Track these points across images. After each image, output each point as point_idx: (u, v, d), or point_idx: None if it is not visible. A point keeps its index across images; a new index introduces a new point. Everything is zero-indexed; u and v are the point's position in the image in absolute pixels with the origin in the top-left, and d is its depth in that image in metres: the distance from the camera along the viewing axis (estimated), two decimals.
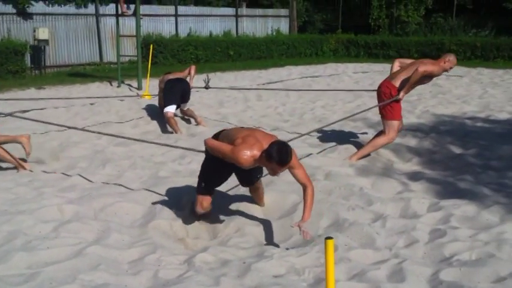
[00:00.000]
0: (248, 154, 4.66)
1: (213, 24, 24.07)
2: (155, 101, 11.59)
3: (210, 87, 11.14)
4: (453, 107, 11.85)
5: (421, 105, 12.05)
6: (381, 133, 7.73)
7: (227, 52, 22.40)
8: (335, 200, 5.95)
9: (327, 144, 8.44)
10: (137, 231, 5.31)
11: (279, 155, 4.48)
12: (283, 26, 27.14)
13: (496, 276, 4.22)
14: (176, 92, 9.70)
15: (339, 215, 5.53)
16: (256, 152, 4.66)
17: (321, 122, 10.26)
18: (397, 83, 7.40)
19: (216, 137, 5.19)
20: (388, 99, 7.43)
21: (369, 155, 7.79)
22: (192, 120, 10.23)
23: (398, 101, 7.41)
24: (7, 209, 5.63)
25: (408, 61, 7.80)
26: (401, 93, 7.35)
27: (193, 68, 10.26)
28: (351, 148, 8.16)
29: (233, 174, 5.45)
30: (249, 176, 5.39)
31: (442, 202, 5.91)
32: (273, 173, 4.69)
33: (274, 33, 26.16)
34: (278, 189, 6.27)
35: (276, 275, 4.40)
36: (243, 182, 5.57)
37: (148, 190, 6.29)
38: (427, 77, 7.38)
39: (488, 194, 6.20)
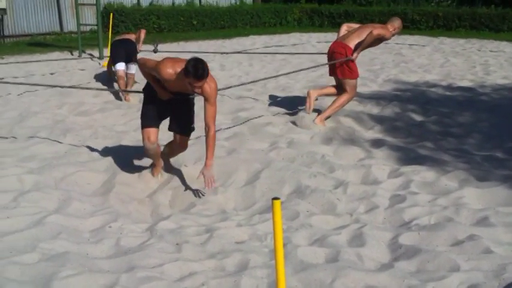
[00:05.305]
0: (169, 66, 5.12)
1: None
2: None
3: (158, 51, 11.32)
4: (415, 76, 11.96)
5: (383, 74, 12.14)
6: (341, 93, 7.85)
7: (190, 21, 22.11)
8: (297, 168, 5.97)
9: (290, 112, 8.45)
10: (99, 200, 5.26)
11: (194, 69, 4.83)
12: None
13: (453, 239, 4.30)
14: (120, 52, 9.88)
15: (301, 182, 5.56)
16: (178, 68, 5.07)
17: (284, 91, 10.26)
18: (350, 44, 7.65)
19: None
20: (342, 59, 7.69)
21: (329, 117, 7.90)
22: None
23: (352, 61, 7.66)
24: None
25: (356, 25, 8.17)
26: (355, 54, 7.62)
27: (142, 32, 10.61)
28: (313, 115, 8.16)
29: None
30: (182, 118, 5.60)
31: (403, 168, 5.99)
32: (191, 88, 4.98)
33: (237, 3, 25.90)
34: (241, 157, 6.27)
35: (238, 241, 4.43)
36: (173, 124, 5.68)
37: (110, 159, 6.23)
38: (377, 40, 7.71)
39: (447, 160, 6.29)
